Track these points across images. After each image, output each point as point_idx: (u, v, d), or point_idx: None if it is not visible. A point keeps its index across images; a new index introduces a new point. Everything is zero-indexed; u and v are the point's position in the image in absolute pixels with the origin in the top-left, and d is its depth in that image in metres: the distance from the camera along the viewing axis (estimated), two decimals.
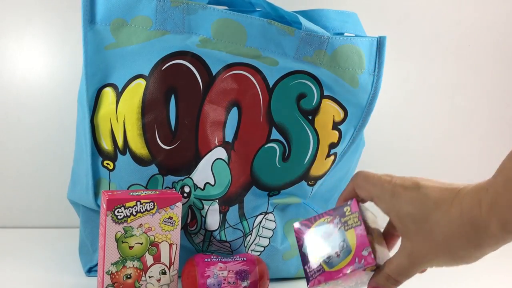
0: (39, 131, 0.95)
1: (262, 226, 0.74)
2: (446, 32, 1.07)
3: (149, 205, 0.66)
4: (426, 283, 0.76)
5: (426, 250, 0.55)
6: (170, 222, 0.67)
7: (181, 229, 0.72)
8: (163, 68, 0.70)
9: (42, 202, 0.97)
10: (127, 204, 0.65)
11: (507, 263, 0.86)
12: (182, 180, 0.72)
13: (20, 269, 0.77)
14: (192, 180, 0.72)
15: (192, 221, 0.73)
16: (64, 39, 0.95)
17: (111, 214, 0.65)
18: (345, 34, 0.77)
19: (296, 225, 0.62)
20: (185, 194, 0.72)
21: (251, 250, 0.74)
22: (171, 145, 0.71)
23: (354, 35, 0.76)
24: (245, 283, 0.67)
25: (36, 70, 0.95)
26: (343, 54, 0.72)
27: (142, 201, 0.65)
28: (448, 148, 1.09)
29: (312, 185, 0.76)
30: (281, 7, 0.73)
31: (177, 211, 0.67)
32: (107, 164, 0.72)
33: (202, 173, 0.72)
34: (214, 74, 0.71)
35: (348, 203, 0.59)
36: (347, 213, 0.59)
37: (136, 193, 0.67)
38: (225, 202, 0.73)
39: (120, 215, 0.65)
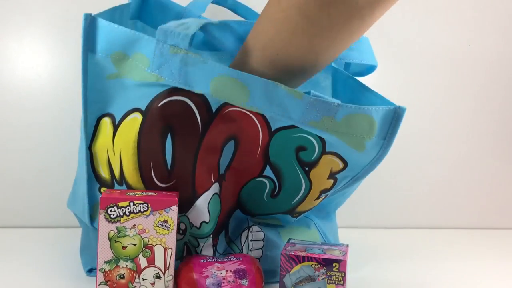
0: (39, 131, 0.96)
1: (250, 240, 0.73)
2: (446, 31, 1.06)
3: (143, 207, 0.65)
4: (426, 283, 0.76)
5: None
6: (165, 226, 0.66)
7: (177, 259, 0.72)
8: (159, 104, 0.66)
9: (42, 202, 0.97)
10: (120, 204, 0.65)
11: (507, 263, 0.86)
12: (178, 217, 0.70)
13: (20, 269, 0.76)
14: (188, 219, 0.70)
15: (187, 256, 0.72)
16: (64, 39, 0.95)
17: (104, 213, 0.65)
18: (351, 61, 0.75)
19: (284, 255, 0.66)
20: (181, 231, 0.71)
21: None
22: (167, 183, 0.69)
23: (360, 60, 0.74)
24: (244, 282, 0.66)
25: (36, 70, 0.95)
26: (353, 122, 0.66)
27: (135, 201, 0.65)
28: (447, 148, 1.09)
29: (297, 216, 0.75)
30: None
31: (172, 214, 0.66)
32: (104, 191, 0.71)
33: (198, 212, 0.69)
34: (214, 111, 0.67)
35: (339, 259, 0.65)
36: (334, 269, 0.65)
37: (132, 193, 0.66)
38: (216, 234, 0.72)
39: (113, 214, 0.65)
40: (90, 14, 0.67)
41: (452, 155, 1.08)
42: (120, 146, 0.68)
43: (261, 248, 0.73)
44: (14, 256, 0.81)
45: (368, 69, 0.84)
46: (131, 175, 0.68)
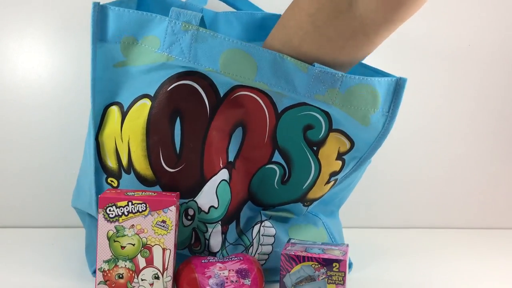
0: (39, 131, 0.96)
1: (262, 235, 0.73)
2: (446, 31, 1.06)
3: (141, 207, 0.65)
4: (426, 283, 0.76)
5: None
6: (163, 226, 0.66)
7: (186, 247, 0.72)
8: (168, 89, 0.67)
9: (42, 202, 0.97)
10: (119, 204, 0.65)
11: (507, 263, 0.86)
12: (186, 203, 0.71)
13: (20, 269, 0.77)
14: (196, 203, 0.70)
15: (195, 243, 0.72)
16: (64, 39, 0.95)
17: (103, 212, 0.65)
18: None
19: (284, 255, 0.66)
20: (189, 217, 0.71)
21: None
22: (176, 168, 0.69)
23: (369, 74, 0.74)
24: (247, 281, 0.66)
25: (36, 70, 0.95)
26: (357, 94, 0.68)
27: (133, 201, 0.65)
28: (447, 148, 1.08)
29: (308, 205, 0.76)
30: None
31: (170, 215, 0.66)
32: (111, 181, 0.71)
33: (207, 197, 0.70)
34: (222, 96, 0.69)
35: (339, 259, 0.65)
36: (334, 269, 0.65)
37: (131, 193, 0.66)
38: (225, 221, 0.72)
39: (112, 214, 0.65)
40: (99, 3, 0.67)
41: (452, 155, 1.08)
42: (128, 133, 0.68)
43: (271, 244, 0.74)
44: (14, 256, 0.81)
45: None
46: (140, 161, 0.69)
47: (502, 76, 1.08)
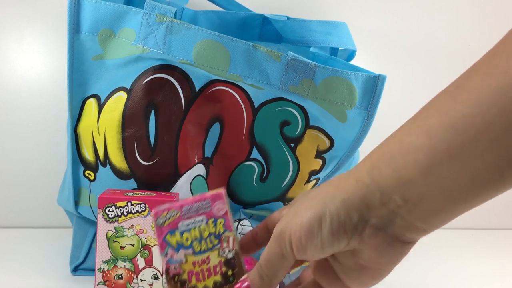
0: (39, 131, 0.96)
1: (240, 233, 0.73)
2: (446, 31, 1.06)
3: (141, 207, 0.65)
4: (426, 283, 0.76)
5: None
6: None
7: None
8: (144, 82, 0.68)
9: (42, 202, 0.97)
10: (118, 204, 0.65)
11: (507, 263, 0.86)
12: None
13: (20, 269, 0.77)
14: None
15: None
16: (64, 39, 0.95)
17: (102, 212, 0.65)
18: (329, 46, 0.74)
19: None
20: None
21: None
22: (150, 161, 0.69)
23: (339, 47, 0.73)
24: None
25: (36, 70, 0.95)
26: (332, 87, 0.67)
27: (133, 202, 0.65)
28: None
29: None
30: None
31: None
32: (89, 174, 0.71)
33: (180, 191, 0.70)
34: (197, 90, 0.69)
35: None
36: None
37: (130, 194, 0.66)
38: None
39: (111, 214, 0.65)
40: None
41: None
42: (105, 125, 0.69)
43: None
44: (13, 256, 0.81)
45: (349, 56, 0.84)
46: (115, 154, 0.69)
47: None
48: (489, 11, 1.06)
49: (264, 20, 0.81)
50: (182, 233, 0.49)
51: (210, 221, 0.49)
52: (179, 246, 0.49)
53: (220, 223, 0.49)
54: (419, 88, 1.06)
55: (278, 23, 0.76)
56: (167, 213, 0.48)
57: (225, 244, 0.49)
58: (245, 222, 0.74)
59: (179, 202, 0.49)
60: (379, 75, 0.69)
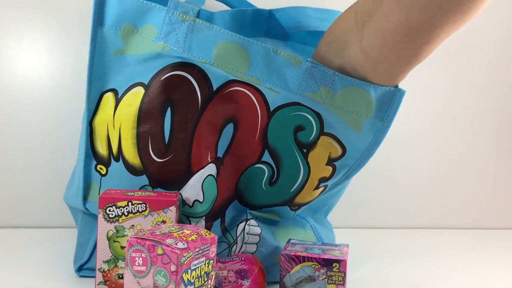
0: (39, 131, 0.96)
1: (247, 233, 0.73)
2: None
3: (141, 207, 0.65)
4: (426, 283, 0.76)
5: None
6: None
7: None
8: (162, 78, 0.68)
9: (42, 202, 0.97)
10: (119, 204, 0.65)
11: (507, 263, 0.86)
12: None
13: (20, 269, 0.76)
14: (181, 196, 0.70)
15: None
16: (64, 39, 0.95)
17: (102, 212, 0.65)
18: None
19: (284, 255, 0.66)
20: None
21: None
22: (163, 158, 0.69)
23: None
24: (245, 282, 0.66)
25: (36, 70, 0.95)
26: (350, 97, 0.68)
27: (133, 201, 0.65)
28: (447, 148, 1.08)
29: (295, 210, 0.75)
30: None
31: (170, 215, 0.66)
32: (100, 168, 0.71)
33: (192, 190, 0.70)
34: (215, 89, 0.69)
35: (339, 259, 0.65)
36: (334, 269, 0.65)
37: (131, 193, 0.66)
38: (210, 218, 0.72)
39: (112, 214, 0.65)
40: None
41: (451, 155, 1.08)
42: (120, 119, 0.69)
43: (256, 243, 0.73)
44: (14, 256, 0.81)
45: None
46: (129, 149, 0.69)
47: (503, 76, 1.08)
48: (489, 11, 1.06)
49: (270, 16, 0.82)
50: (191, 272, 0.56)
51: (207, 261, 0.58)
52: (188, 283, 0.56)
53: (211, 263, 0.59)
54: (419, 88, 1.06)
55: (277, 12, 0.77)
56: (187, 253, 0.55)
57: (209, 281, 0.59)
58: (252, 222, 0.74)
59: (191, 243, 0.56)
60: (399, 89, 0.69)
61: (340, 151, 0.72)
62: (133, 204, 0.65)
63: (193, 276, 0.56)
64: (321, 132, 0.70)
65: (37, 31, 0.94)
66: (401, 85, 1.05)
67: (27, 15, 0.94)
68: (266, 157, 0.71)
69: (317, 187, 0.73)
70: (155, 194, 0.67)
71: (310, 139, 0.71)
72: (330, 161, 0.72)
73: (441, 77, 1.06)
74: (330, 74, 0.67)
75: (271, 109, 0.70)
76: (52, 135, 0.96)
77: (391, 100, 0.69)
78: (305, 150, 0.71)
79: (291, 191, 0.73)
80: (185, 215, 0.71)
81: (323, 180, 0.73)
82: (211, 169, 0.70)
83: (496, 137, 1.09)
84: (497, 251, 0.95)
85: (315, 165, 0.72)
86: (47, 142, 0.96)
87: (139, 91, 0.68)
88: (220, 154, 0.71)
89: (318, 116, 0.70)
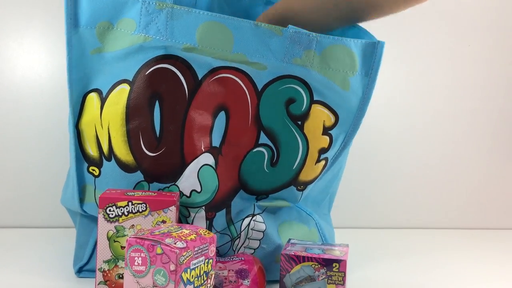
0: (39, 130, 0.96)
1: (251, 229, 0.73)
2: (446, 31, 1.06)
3: (141, 207, 0.65)
4: (426, 283, 0.76)
5: None
6: None
7: None
8: (147, 73, 0.68)
9: (42, 202, 0.97)
10: (119, 204, 0.65)
11: (507, 263, 0.86)
12: (168, 187, 0.71)
13: (20, 269, 0.76)
14: (178, 187, 0.70)
15: None
16: (64, 39, 0.95)
17: (103, 212, 0.65)
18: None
19: (284, 255, 0.67)
20: None
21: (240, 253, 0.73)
22: (156, 152, 0.69)
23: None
24: (246, 282, 0.66)
25: (36, 70, 0.95)
26: (333, 55, 0.70)
27: (134, 201, 0.65)
28: (447, 148, 1.08)
29: (302, 190, 0.75)
30: None
31: (170, 215, 0.66)
32: (93, 170, 0.71)
33: (188, 180, 0.70)
34: (200, 78, 0.69)
35: (339, 259, 0.65)
36: (334, 269, 0.66)
37: (131, 193, 0.66)
38: (212, 208, 0.72)
39: (112, 214, 0.65)
40: None
41: (452, 155, 1.08)
42: (108, 119, 0.69)
43: (259, 240, 0.73)
44: (13, 256, 0.81)
45: None
46: (120, 147, 0.69)
47: (502, 76, 1.08)
48: (489, 11, 1.06)
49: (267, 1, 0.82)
50: (191, 271, 0.56)
51: (206, 261, 0.58)
52: (188, 282, 0.56)
53: (210, 262, 0.59)
54: (419, 87, 1.06)
55: None
56: (186, 252, 0.55)
57: (209, 280, 0.59)
58: (258, 218, 0.73)
59: (190, 242, 0.56)
60: (378, 42, 0.71)
61: (333, 119, 0.73)
62: (133, 204, 0.65)
63: (192, 276, 0.56)
64: (312, 101, 0.71)
65: (37, 31, 0.94)
66: (402, 84, 1.05)
67: (27, 15, 0.94)
68: (263, 139, 0.72)
69: (318, 160, 0.74)
70: (155, 194, 0.67)
71: (302, 109, 0.71)
72: (326, 130, 0.73)
73: (441, 77, 1.07)
74: (312, 36, 0.68)
75: (259, 88, 0.70)
76: (52, 135, 0.96)
77: (373, 54, 0.71)
78: (299, 122, 0.72)
79: (294, 167, 0.73)
80: (184, 206, 0.71)
81: (322, 151, 0.74)
82: (207, 158, 0.70)
83: (496, 137, 1.09)
84: (497, 251, 0.95)
85: (312, 135, 0.72)
86: (47, 142, 0.96)
87: (125, 88, 0.68)
88: (216, 143, 0.71)
89: (306, 85, 0.71)
